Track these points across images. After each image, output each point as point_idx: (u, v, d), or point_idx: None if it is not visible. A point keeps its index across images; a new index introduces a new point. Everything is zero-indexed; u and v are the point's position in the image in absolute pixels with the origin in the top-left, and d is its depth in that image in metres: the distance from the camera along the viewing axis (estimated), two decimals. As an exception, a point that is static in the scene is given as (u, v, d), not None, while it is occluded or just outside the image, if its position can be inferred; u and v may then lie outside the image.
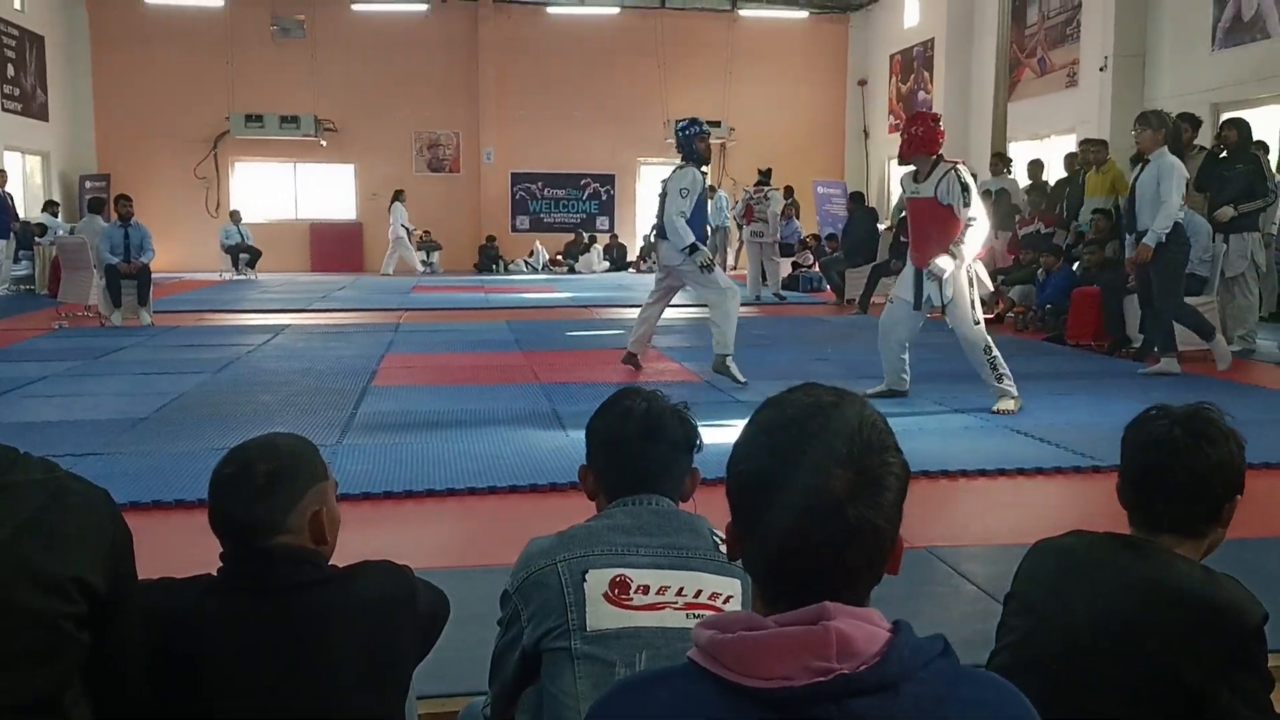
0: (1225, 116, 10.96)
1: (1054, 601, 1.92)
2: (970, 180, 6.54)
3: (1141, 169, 7.84)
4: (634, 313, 8.47)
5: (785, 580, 1.12)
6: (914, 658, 1.08)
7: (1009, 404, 6.52)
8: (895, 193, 21.82)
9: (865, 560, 1.11)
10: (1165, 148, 7.68)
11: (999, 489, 4.95)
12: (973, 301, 6.60)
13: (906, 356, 6.97)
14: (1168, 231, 7.59)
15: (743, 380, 7.40)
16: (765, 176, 15.68)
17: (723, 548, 1.82)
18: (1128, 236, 8.20)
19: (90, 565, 1.53)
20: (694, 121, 7.94)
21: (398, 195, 21.48)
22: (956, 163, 6.57)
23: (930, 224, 6.60)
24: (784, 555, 1.11)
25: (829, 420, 1.12)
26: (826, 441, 1.10)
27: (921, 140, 6.61)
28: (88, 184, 20.47)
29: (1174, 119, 8.05)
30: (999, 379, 6.57)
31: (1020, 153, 16.36)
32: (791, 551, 1.10)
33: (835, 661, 1.05)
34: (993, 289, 7.89)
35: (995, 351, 6.60)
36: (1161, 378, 7.72)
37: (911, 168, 6.82)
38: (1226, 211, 8.98)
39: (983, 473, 5.09)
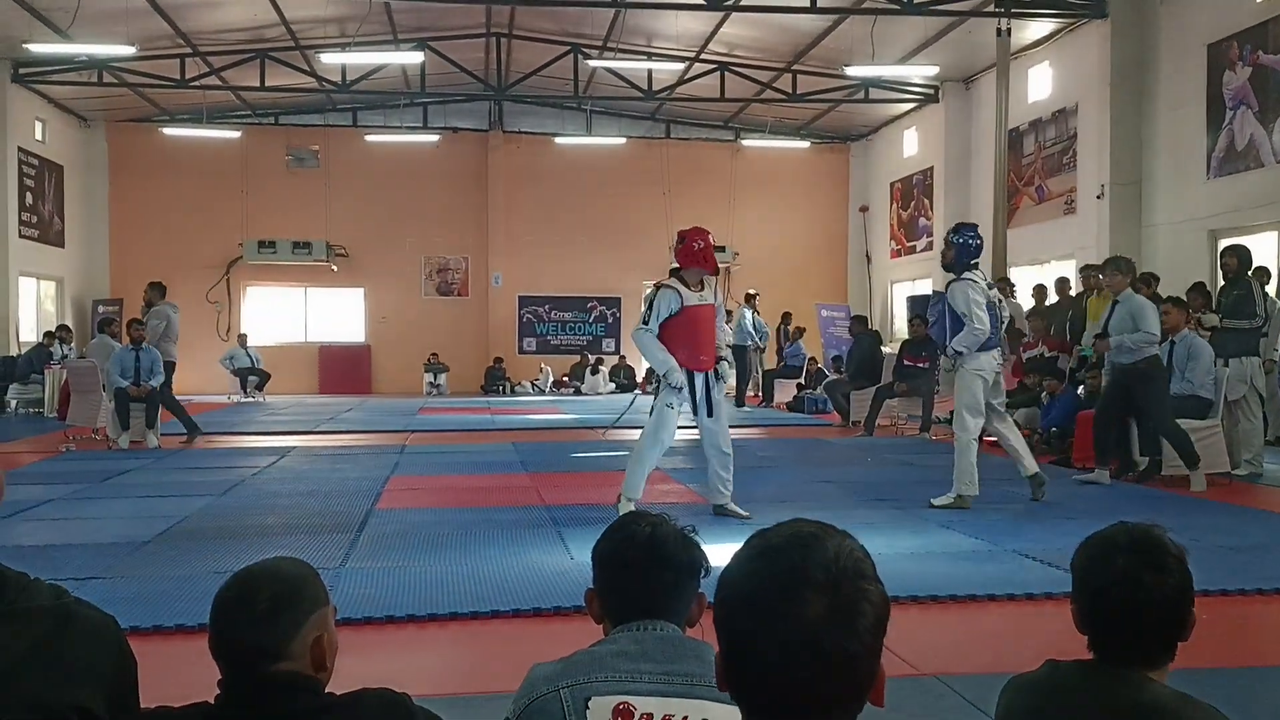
0: (1224, 244, 11.16)
1: None
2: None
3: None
4: (637, 434, 8.21)
5: (769, 709, 1.14)
6: None
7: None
8: (900, 315, 22.06)
9: (842, 689, 1.13)
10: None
11: (1007, 614, 4.89)
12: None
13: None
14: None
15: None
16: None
17: None
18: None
19: (94, 694, 1.53)
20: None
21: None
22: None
23: (712, 328, 7.21)
24: (766, 684, 1.13)
25: (809, 549, 1.16)
26: (804, 570, 1.13)
27: (702, 255, 7.10)
28: (100, 308, 20.77)
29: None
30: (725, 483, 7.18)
31: (1021, 277, 16.56)
32: (773, 680, 1.12)
33: None
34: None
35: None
36: (1191, 499, 7.73)
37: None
38: (1211, 318, 9.33)
39: (991, 598, 5.04)
